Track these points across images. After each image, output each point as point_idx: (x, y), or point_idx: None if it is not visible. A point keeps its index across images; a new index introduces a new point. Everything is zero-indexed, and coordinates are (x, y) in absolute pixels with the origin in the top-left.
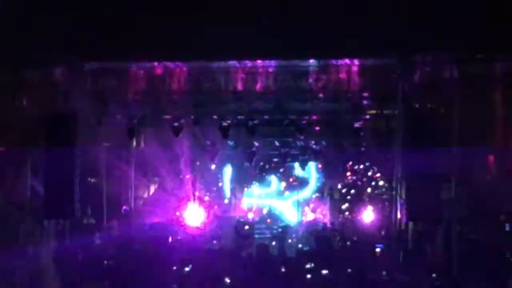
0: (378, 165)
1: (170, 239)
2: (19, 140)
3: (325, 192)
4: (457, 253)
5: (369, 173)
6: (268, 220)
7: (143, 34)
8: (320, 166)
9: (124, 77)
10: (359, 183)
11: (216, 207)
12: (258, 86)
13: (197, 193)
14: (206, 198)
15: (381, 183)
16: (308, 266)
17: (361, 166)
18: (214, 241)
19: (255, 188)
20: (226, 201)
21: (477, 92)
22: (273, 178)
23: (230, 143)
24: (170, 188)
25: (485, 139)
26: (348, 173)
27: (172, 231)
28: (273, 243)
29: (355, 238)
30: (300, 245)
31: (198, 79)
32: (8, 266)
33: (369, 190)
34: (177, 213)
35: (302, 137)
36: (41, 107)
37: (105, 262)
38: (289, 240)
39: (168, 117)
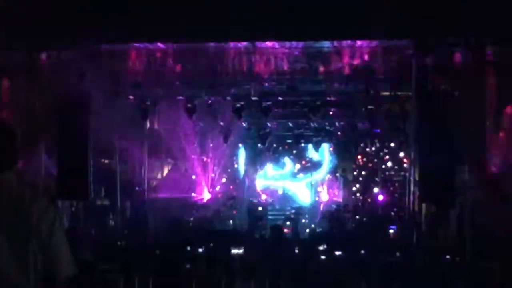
0: (392, 147)
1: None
2: (33, 121)
3: (339, 173)
4: (470, 236)
5: (383, 155)
6: (282, 202)
7: (156, 14)
8: (333, 147)
9: (137, 58)
10: (373, 164)
11: (231, 187)
12: (272, 68)
13: (212, 175)
14: (224, 180)
15: (394, 165)
16: (321, 247)
17: (375, 148)
18: (229, 222)
19: (269, 170)
20: (239, 182)
21: (491, 75)
22: (286, 160)
23: (244, 124)
24: (184, 169)
25: (499, 122)
26: (362, 155)
27: (186, 211)
28: (288, 223)
29: (368, 220)
30: (313, 227)
31: (212, 60)
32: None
33: (382, 172)
34: (193, 194)
35: (315, 119)
36: (55, 89)
37: (118, 243)
38: (303, 221)
39: (181, 98)
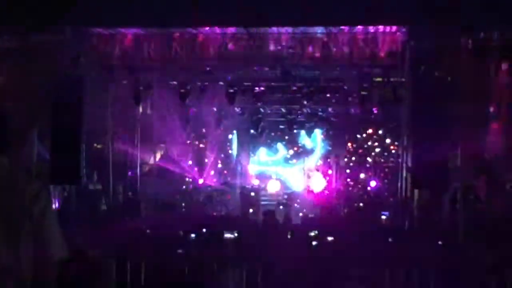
0: (385, 132)
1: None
2: (26, 105)
3: (331, 159)
4: (463, 221)
5: (376, 141)
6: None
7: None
8: (326, 133)
9: (130, 42)
10: (365, 150)
11: (224, 172)
12: (265, 53)
13: (205, 160)
14: (216, 165)
15: (387, 151)
16: (313, 233)
17: (368, 134)
18: (222, 207)
19: (262, 155)
20: (232, 167)
21: (485, 61)
22: (279, 145)
23: (237, 109)
24: (177, 154)
25: (492, 108)
26: (355, 140)
27: (178, 197)
28: (281, 207)
29: (361, 205)
30: (305, 212)
31: (205, 45)
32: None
33: (375, 157)
34: (185, 179)
35: (308, 104)
36: (48, 72)
37: (111, 227)
38: (295, 207)
39: (174, 83)
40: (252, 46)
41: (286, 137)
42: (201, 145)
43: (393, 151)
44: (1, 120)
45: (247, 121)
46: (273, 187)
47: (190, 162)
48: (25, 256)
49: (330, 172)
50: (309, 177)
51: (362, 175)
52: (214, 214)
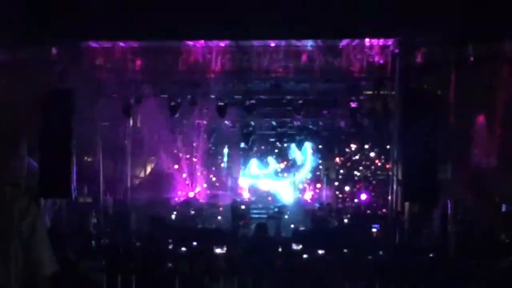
0: (375, 145)
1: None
2: (16, 118)
3: (322, 172)
4: (453, 234)
5: (366, 154)
6: (266, 200)
7: (138, 13)
8: (316, 146)
9: (120, 56)
10: (355, 163)
11: (214, 185)
12: (255, 66)
13: (199, 174)
14: (207, 178)
15: (377, 163)
16: (303, 247)
17: (358, 147)
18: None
19: (252, 168)
20: (223, 180)
21: (474, 74)
22: (269, 159)
23: (227, 122)
24: (167, 167)
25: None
26: (345, 154)
27: (168, 210)
28: (270, 222)
29: (351, 218)
30: (296, 225)
31: (195, 58)
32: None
33: (365, 170)
34: (176, 192)
35: (299, 117)
36: (37, 86)
37: (101, 241)
38: (285, 220)
39: (165, 96)
40: (242, 59)
41: (277, 150)
42: (192, 159)
43: (383, 164)
44: None
45: (238, 134)
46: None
47: (184, 175)
48: (15, 271)
49: (320, 185)
50: (299, 190)
51: (352, 188)
52: (205, 227)
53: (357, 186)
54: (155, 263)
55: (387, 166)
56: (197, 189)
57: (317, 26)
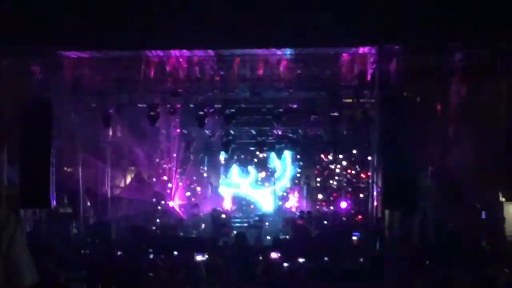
0: (355, 153)
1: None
2: None
3: (302, 180)
4: (433, 241)
5: (346, 161)
6: (246, 209)
7: (119, 23)
8: (296, 154)
9: (100, 66)
10: (336, 171)
11: (195, 194)
12: (234, 75)
13: (179, 183)
14: (187, 187)
15: (357, 171)
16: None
17: (338, 155)
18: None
19: (232, 177)
20: (203, 190)
21: (454, 82)
22: (249, 167)
23: (207, 131)
24: (147, 177)
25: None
26: (325, 162)
27: (149, 219)
28: (250, 232)
29: (331, 226)
30: (277, 234)
31: (175, 68)
32: None
33: (345, 178)
34: (156, 201)
35: (278, 126)
36: (16, 97)
37: (82, 251)
38: (266, 228)
39: (144, 106)
40: (222, 68)
41: (257, 159)
42: (172, 168)
43: (364, 172)
44: None
45: (218, 143)
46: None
47: (164, 181)
48: None
49: (300, 193)
50: (280, 198)
51: (332, 196)
52: (185, 236)
53: (337, 194)
54: (136, 272)
55: (367, 174)
56: (177, 199)
57: (297, 34)
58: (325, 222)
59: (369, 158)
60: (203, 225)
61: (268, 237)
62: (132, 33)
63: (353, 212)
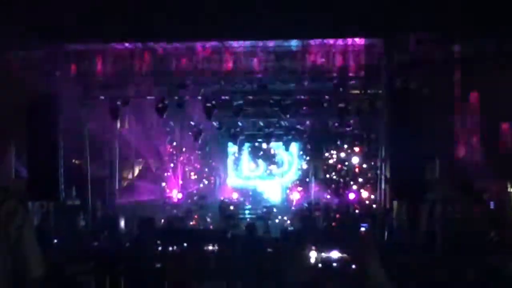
0: (363, 144)
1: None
2: (2, 122)
3: (310, 172)
4: (441, 232)
5: (353, 153)
6: (254, 200)
7: (124, 14)
8: (304, 146)
9: (106, 58)
10: (343, 162)
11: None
12: (242, 67)
13: (187, 175)
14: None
15: (365, 162)
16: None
17: (346, 146)
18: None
19: (240, 169)
20: (211, 181)
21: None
22: (257, 159)
23: (215, 123)
24: (155, 169)
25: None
26: (333, 153)
27: (157, 211)
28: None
29: (339, 218)
30: (285, 225)
31: (182, 60)
32: None
33: (353, 169)
34: (164, 193)
35: (286, 118)
36: (23, 90)
37: (89, 243)
38: (275, 220)
39: (152, 98)
40: (228, 60)
41: (264, 151)
42: (180, 160)
43: (372, 163)
44: None
45: (226, 135)
46: None
47: (172, 176)
48: (3, 274)
49: (307, 185)
50: (287, 190)
51: (341, 187)
52: (193, 228)
53: (345, 185)
54: (144, 264)
55: (375, 165)
56: (185, 190)
57: (303, 26)
58: (333, 213)
59: (377, 149)
60: (210, 216)
61: (277, 228)
62: (138, 25)
63: (361, 203)
